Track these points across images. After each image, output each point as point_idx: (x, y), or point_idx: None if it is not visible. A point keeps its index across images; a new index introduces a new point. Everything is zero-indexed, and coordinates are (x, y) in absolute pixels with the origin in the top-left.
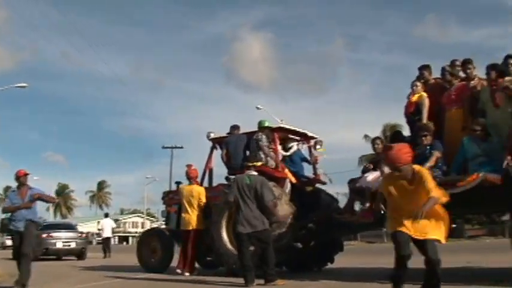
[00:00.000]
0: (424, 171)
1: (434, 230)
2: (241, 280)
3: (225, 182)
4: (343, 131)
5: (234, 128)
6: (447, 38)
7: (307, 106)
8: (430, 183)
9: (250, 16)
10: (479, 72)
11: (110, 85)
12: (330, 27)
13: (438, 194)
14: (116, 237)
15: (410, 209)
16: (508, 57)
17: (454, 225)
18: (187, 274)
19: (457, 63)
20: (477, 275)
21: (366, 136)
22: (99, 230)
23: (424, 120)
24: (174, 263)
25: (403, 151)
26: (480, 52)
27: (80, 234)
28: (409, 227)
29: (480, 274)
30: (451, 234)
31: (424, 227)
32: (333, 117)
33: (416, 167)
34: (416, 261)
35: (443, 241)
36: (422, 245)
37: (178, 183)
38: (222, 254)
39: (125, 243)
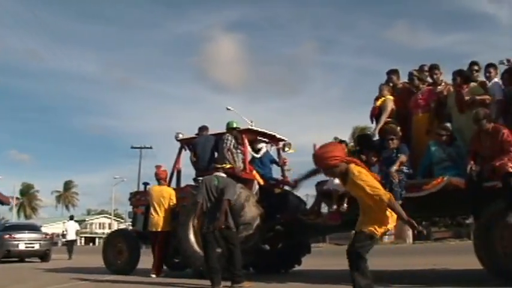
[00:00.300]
0: (356, 169)
1: (367, 225)
2: (208, 282)
3: (193, 183)
4: (313, 133)
5: (203, 129)
6: (417, 42)
7: (278, 108)
8: (363, 181)
9: (223, 17)
10: (446, 77)
11: (78, 83)
12: (301, 30)
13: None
14: (82, 238)
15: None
16: (472, 63)
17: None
18: (153, 276)
19: (425, 68)
20: (442, 277)
21: (335, 138)
22: (64, 231)
23: (381, 123)
24: (141, 264)
25: (325, 154)
26: (448, 58)
27: (44, 236)
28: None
29: (445, 276)
30: (419, 236)
31: (361, 222)
32: (304, 119)
33: (350, 166)
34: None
35: (375, 233)
36: None
37: (146, 184)
38: (189, 255)
39: (91, 244)
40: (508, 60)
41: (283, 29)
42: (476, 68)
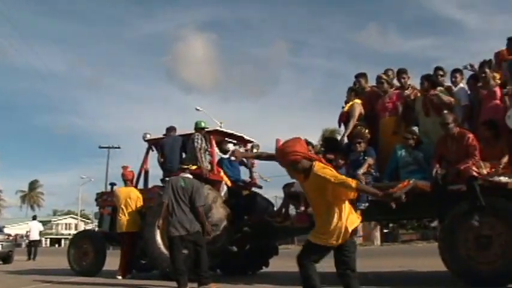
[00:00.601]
0: (320, 165)
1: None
2: (174, 283)
3: (161, 184)
4: (283, 134)
5: (170, 129)
6: (387, 46)
7: (249, 109)
8: (328, 173)
9: (194, 16)
10: (414, 81)
11: (44, 81)
12: (273, 31)
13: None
14: (48, 239)
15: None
16: (437, 68)
17: (386, 230)
18: (119, 277)
19: (389, 73)
20: (408, 279)
21: (305, 140)
22: (27, 232)
23: (349, 129)
24: (107, 266)
25: (287, 149)
26: (417, 62)
27: (6, 237)
28: None
29: (411, 278)
30: (386, 238)
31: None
32: (274, 120)
33: (315, 162)
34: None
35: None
36: None
37: (112, 184)
38: (155, 257)
39: (57, 245)
40: (471, 65)
41: (255, 30)
42: (441, 73)
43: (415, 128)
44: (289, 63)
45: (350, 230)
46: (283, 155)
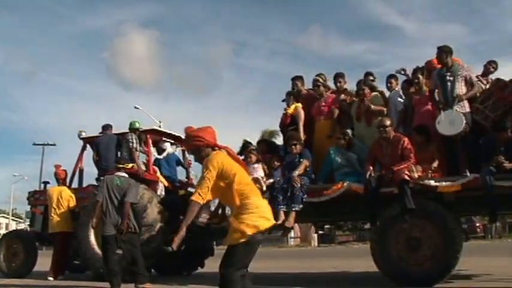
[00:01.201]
0: (215, 155)
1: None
2: (107, 284)
3: (95, 183)
4: (223, 134)
5: (106, 127)
6: (328, 49)
7: (189, 108)
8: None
9: (136, 13)
10: (351, 86)
11: None
12: (215, 31)
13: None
14: None
15: None
16: (367, 74)
17: (321, 232)
18: (50, 279)
19: (322, 77)
20: (340, 280)
21: (244, 141)
22: None
23: (301, 131)
24: (39, 267)
25: (192, 133)
26: (357, 66)
27: None
28: None
29: (343, 278)
30: (323, 239)
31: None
32: (214, 120)
33: (214, 152)
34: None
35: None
36: None
37: (45, 183)
38: (89, 257)
39: None
40: (404, 70)
41: (197, 29)
42: (371, 78)
43: (348, 131)
44: (231, 63)
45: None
46: (187, 139)
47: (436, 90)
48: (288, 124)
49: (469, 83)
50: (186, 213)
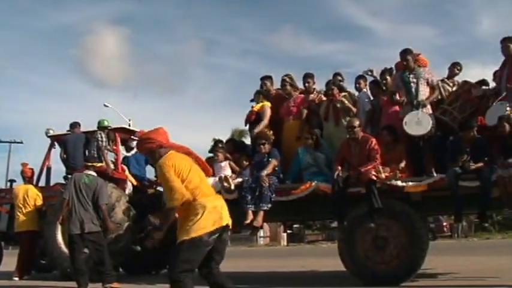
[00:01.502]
0: (169, 157)
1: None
2: (75, 284)
3: (63, 182)
4: (193, 133)
5: (74, 125)
6: (300, 49)
7: (160, 106)
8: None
9: (107, 9)
10: (319, 85)
11: None
12: (186, 29)
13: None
14: None
15: None
16: (335, 74)
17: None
18: (16, 279)
19: (289, 77)
20: (308, 278)
21: (214, 140)
22: None
23: (260, 128)
24: (4, 267)
25: (144, 136)
26: (328, 66)
27: None
28: None
29: (311, 277)
30: (293, 239)
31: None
32: (185, 118)
33: (168, 153)
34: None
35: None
36: None
37: (11, 181)
38: (55, 257)
39: None
40: (371, 71)
41: (169, 27)
42: (339, 78)
43: (316, 130)
44: (202, 61)
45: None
46: (139, 143)
47: (398, 92)
48: (252, 121)
49: (431, 86)
50: (164, 219)
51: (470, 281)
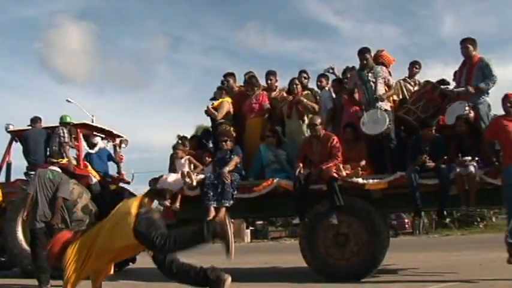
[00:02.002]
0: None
1: None
2: (35, 282)
3: (24, 178)
4: (157, 129)
5: (35, 120)
6: (265, 46)
7: (124, 102)
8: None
9: (71, 4)
10: (283, 83)
11: None
12: (151, 25)
13: None
14: None
15: None
16: (301, 72)
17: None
18: None
19: (249, 75)
20: (270, 274)
21: (178, 136)
22: None
23: (215, 114)
24: None
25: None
26: (293, 63)
27: None
28: None
29: (273, 273)
30: (256, 235)
31: None
32: (149, 115)
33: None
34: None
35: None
36: None
37: None
38: (16, 254)
39: None
40: (332, 69)
41: (133, 22)
42: (305, 75)
43: (278, 128)
44: (166, 58)
45: None
46: None
47: (356, 90)
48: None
49: (387, 85)
50: None
51: (429, 276)
